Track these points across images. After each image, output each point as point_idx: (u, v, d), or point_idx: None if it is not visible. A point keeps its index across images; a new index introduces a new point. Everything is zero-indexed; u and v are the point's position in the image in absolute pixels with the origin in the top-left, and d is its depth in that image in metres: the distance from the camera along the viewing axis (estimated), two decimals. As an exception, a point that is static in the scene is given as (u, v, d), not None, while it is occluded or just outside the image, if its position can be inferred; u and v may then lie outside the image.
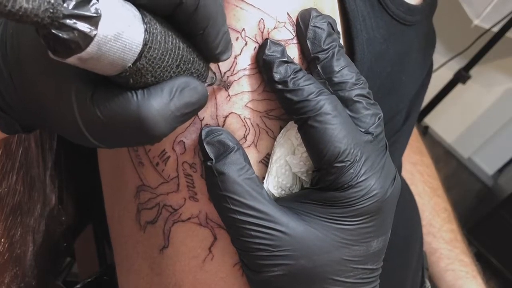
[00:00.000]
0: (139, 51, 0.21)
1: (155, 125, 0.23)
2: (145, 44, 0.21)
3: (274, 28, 0.30)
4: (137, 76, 0.22)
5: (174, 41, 0.23)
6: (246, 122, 0.31)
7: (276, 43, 0.30)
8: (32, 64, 0.25)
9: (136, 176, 0.34)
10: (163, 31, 0.22)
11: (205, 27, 0.23)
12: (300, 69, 0.29)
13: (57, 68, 0.24)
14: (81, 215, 0.64)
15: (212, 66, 0.29)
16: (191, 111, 0.25)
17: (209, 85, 0.28)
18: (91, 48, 0.19)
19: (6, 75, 0.26)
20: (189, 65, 0.25)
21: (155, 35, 0.22)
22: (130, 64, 0.21)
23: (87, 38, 0.19)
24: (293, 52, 0.31)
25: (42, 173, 0.51)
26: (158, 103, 0.23)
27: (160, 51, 0.22)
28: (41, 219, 0.52)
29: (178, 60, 0.24)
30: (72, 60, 0.20)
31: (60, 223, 0.57)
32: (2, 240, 0.44)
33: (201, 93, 0.25)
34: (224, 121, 0.31)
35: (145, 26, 0.21)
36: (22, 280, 0.48)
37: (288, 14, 0.31)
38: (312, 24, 0.30)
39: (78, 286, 0.61)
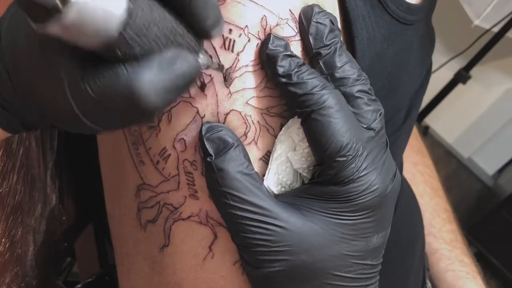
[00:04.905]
0: (122, 20, 0.21)
1: (147, 98, 0.22)
2: (128, 13, 0.21)
3: (277, 25, 0.30)
4: (124, 48, 0.22)
5: (160, 12, 0.23)
6: (247, 120, 0.31)
7: (279, 38, 0.30)
8: (25, 56, 0.25)
9: (137, 175, 0.34)
10: (147, 1, 0.22)
11: None
12: (304, 63, 0.29)
13: (47, 52, 0.24)
14: (82, 215, 0.64)
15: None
16: (184, 83, 0.24)
17: (206, 67, 0.28)
18: (71, 14, 0.19)
19: (4, 73, 0.26)
20: (179, 37, 0.24)
21: (138, 3, 0.21)
22: (115, 34, 0.21)
23: (65, 1, 0.19)
24: (295, 49, 0.31)
25: (42, 173, 0.51)
26: (148, 75, 0.22)
27: (146, 20, 0.22)
28: (41, 219, 0.52)
29: (167, 31, 0.23)
30: (54, 29, 0.20)
31: (60, 223, 0.57)
32: (3, 240, 0.44)
33: (193, 64, 0.24)
34: (225, 118, 0.31)
35: None
36: (22, 280, 0.48)
37: (290, 11, 0.31)
38: (314, 20, 0.30)
39: (79, 286, 0.61)
